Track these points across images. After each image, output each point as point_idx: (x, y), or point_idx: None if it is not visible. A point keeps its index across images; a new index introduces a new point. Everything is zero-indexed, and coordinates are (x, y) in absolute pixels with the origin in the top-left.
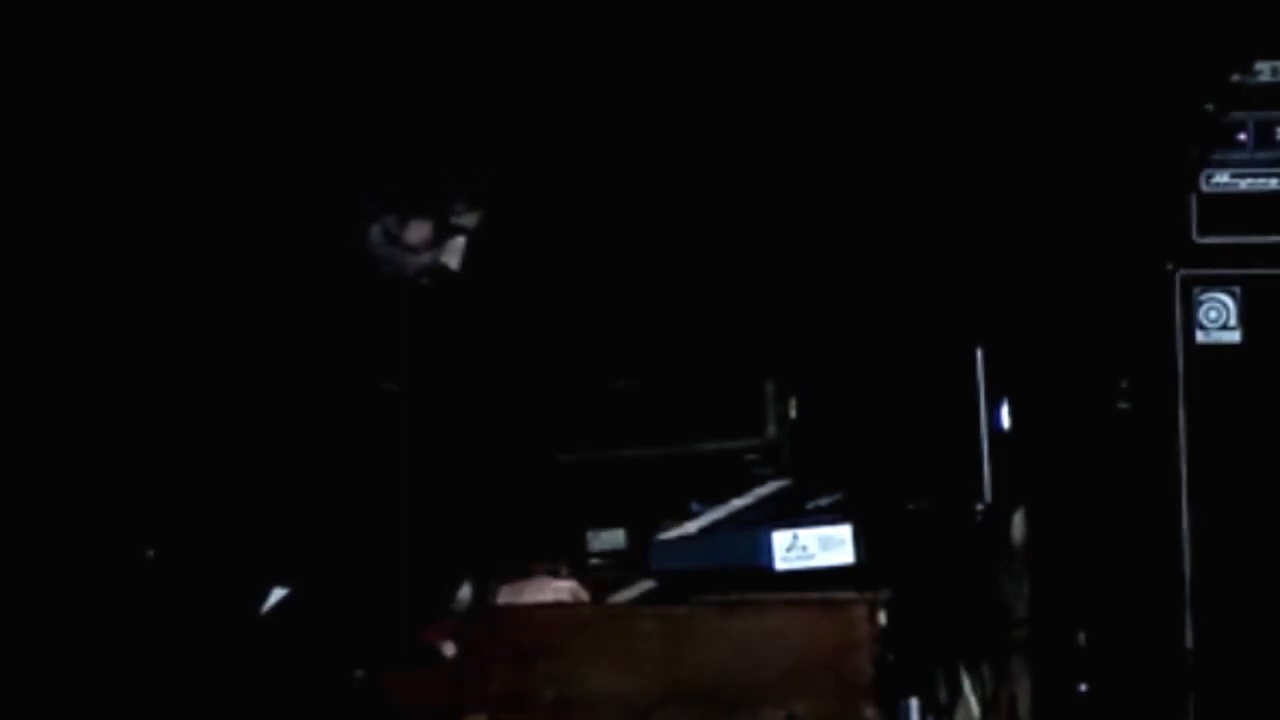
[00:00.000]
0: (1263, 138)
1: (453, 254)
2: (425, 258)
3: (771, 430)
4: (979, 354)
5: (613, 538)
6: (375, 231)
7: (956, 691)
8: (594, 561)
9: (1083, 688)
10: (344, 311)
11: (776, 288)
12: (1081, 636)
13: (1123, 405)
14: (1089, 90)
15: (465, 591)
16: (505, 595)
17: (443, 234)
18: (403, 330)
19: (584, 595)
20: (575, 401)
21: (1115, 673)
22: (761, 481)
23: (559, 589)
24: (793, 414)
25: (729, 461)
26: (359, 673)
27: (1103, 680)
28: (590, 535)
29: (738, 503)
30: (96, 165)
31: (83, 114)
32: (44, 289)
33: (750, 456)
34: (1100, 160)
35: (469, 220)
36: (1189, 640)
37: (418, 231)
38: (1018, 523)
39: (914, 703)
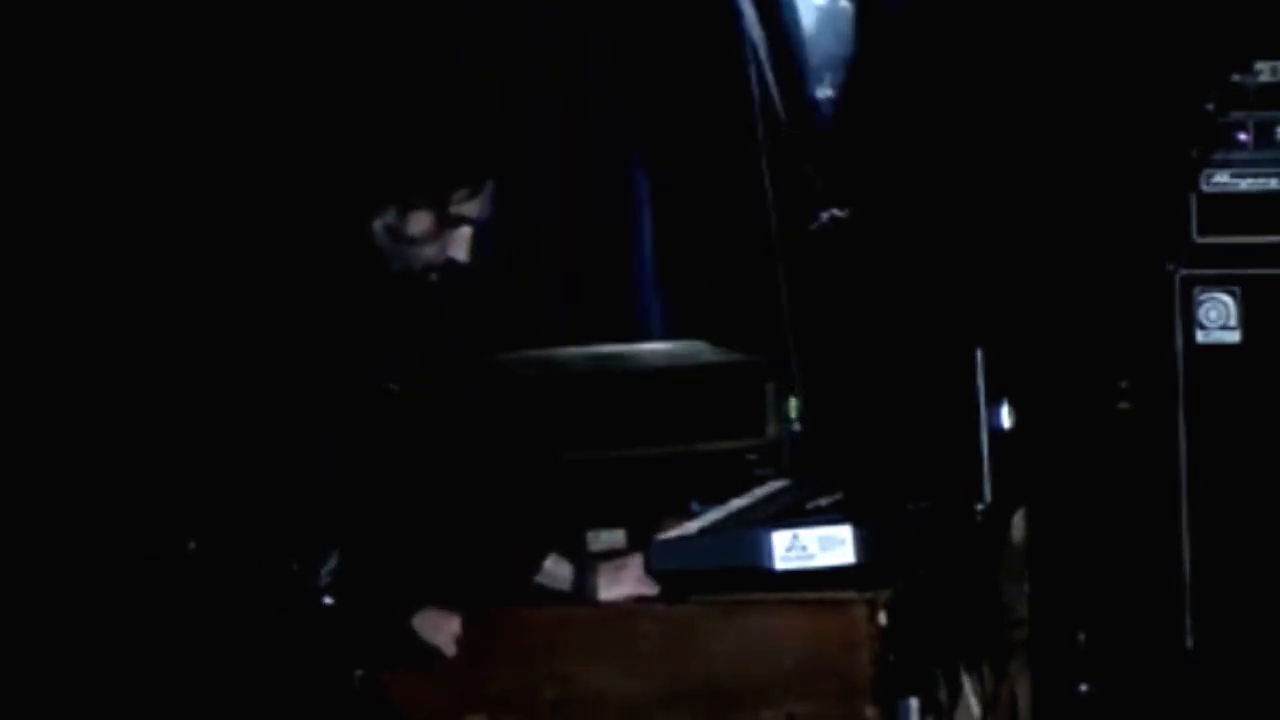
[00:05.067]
0: (1263, 138)
1: (459, 246)
2: (431, 250)
3: (771, 430)
4: (979, 354)
5: (613, 538)
6: (378, 227)
7: (956, 691)
8: None
9: (1083, 688)
10: (359, 308)
11: (778, 288)
12: (1081, 636)
13: (1123, 405)
14: (1089, 91)
15: (566, 570)
16: (604, 586)
17: (445, 224)
18: (414, 325)
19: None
20: (575, 401)
21: (1115, 673)
22: (761, 481)
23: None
24: (793, 414)
25: (729, 461)
26: (359, 673)
27: (1103, 680)
28: (590, 535)
29: (738, 503)
30: (103, 175)
31: (89, 121)
32: (84, 293)
33: (750, 456)
34: (1100, 160)
35: (471, 209)
36: (1189, 640)
37: (419, 223)
38: (1018, 523)
39: (914, 703)
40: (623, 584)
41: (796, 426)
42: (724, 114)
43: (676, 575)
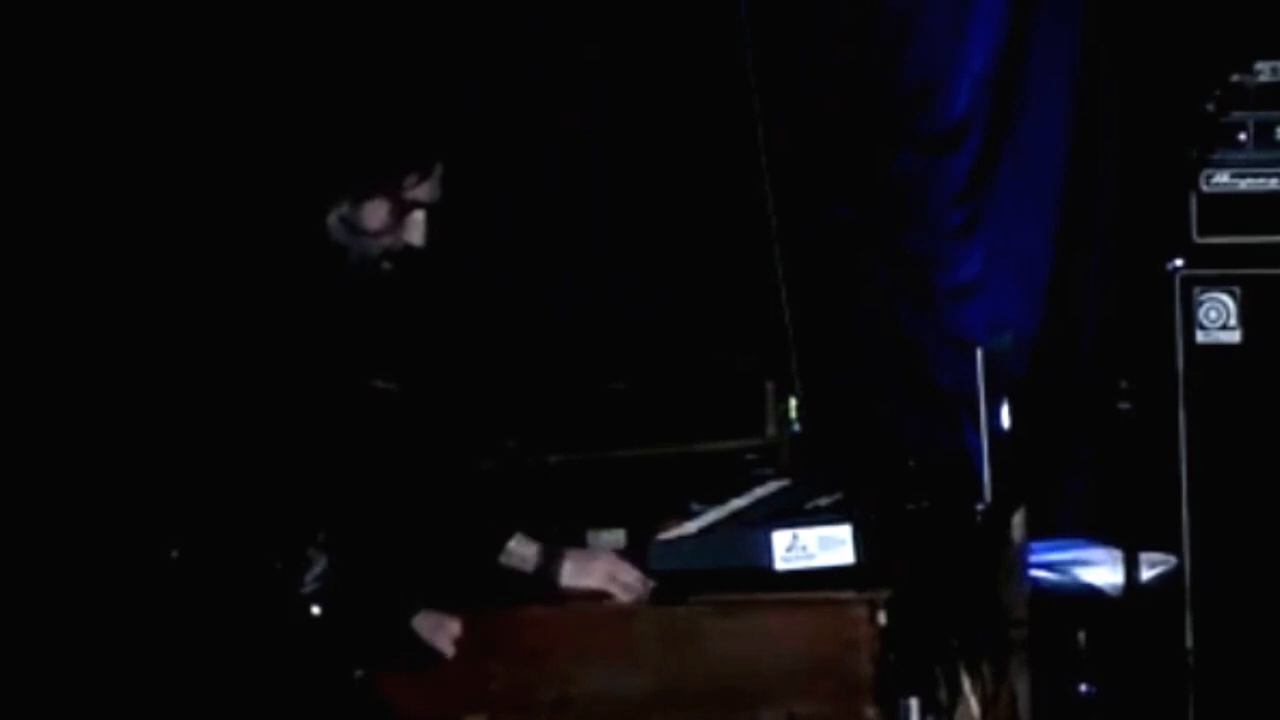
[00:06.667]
0: (1263, 138)
1: (414, 230)
2: (388, 240)
3: (771, 430)
4: (979, 354)
5: (613, 538)
6: (333, 221)
7: (956, 691)
8: None
9: (1083, 688)
10: (328, 306)
11: (778, 288)
12: (1081, 636)
13: (1123, 405)
14: (1090, 90)
15: (532, 551)
16: (569, 573)
17: (400, 212)
18: (388, 322)
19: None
20: (575, 402)
21: (1115, 673)
22: (761, 481)
23: (623, 584)
24: (793, 414)
25: (729, 461)
26: (359, 673)
27: (1103, 680)
28: (590, 535)
29: (737, 503)
30: (68, 175)
31: (54, 124)
32: (53, 295)
33: (750, 456)
34: (1100, 160)
35: (423, 193)
36: (1189, 640)
37: (374, 214)
38: (1018, 523)
39: (914, 703)
40: (590, 575)
41: (796, 426)
42: (724, 114)
43: (676, 575)
